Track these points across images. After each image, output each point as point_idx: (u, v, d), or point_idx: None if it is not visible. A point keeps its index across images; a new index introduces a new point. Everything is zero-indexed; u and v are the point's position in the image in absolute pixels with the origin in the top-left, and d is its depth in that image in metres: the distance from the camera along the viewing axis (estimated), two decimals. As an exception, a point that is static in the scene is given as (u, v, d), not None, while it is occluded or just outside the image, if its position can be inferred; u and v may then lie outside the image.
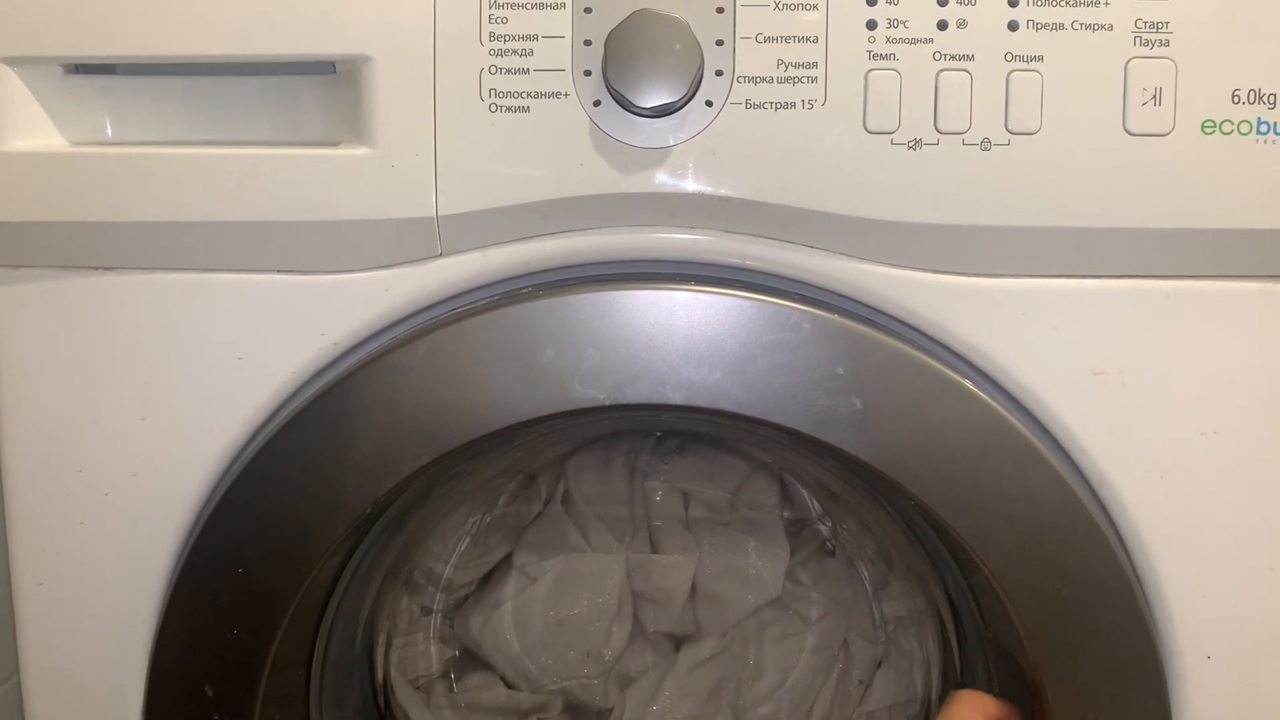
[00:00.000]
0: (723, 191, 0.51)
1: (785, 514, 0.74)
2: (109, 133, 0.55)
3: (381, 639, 0.73)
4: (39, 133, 0.53)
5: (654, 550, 0.73)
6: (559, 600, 0.72)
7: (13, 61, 0.52)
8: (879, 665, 0.75)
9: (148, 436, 0.55)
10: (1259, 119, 0.50)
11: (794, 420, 0.52)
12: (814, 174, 0.51)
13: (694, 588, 0.73)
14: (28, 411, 0.56)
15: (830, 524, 0.76)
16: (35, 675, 0.58)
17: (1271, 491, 0.54)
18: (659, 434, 0.74)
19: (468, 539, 0.73)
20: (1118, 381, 0.53)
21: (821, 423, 0.52)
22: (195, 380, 0.55)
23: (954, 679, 0.69)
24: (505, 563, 0.74)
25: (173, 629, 0.56)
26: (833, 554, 0.76)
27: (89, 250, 0.54)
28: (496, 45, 0.51)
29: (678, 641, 0.74)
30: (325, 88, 0.54)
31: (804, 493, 0.75)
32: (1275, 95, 0.50)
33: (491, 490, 0.73)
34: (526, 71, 0.51)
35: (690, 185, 0.51)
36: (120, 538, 0.57)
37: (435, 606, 0.74)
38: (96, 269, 0.54)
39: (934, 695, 0.72)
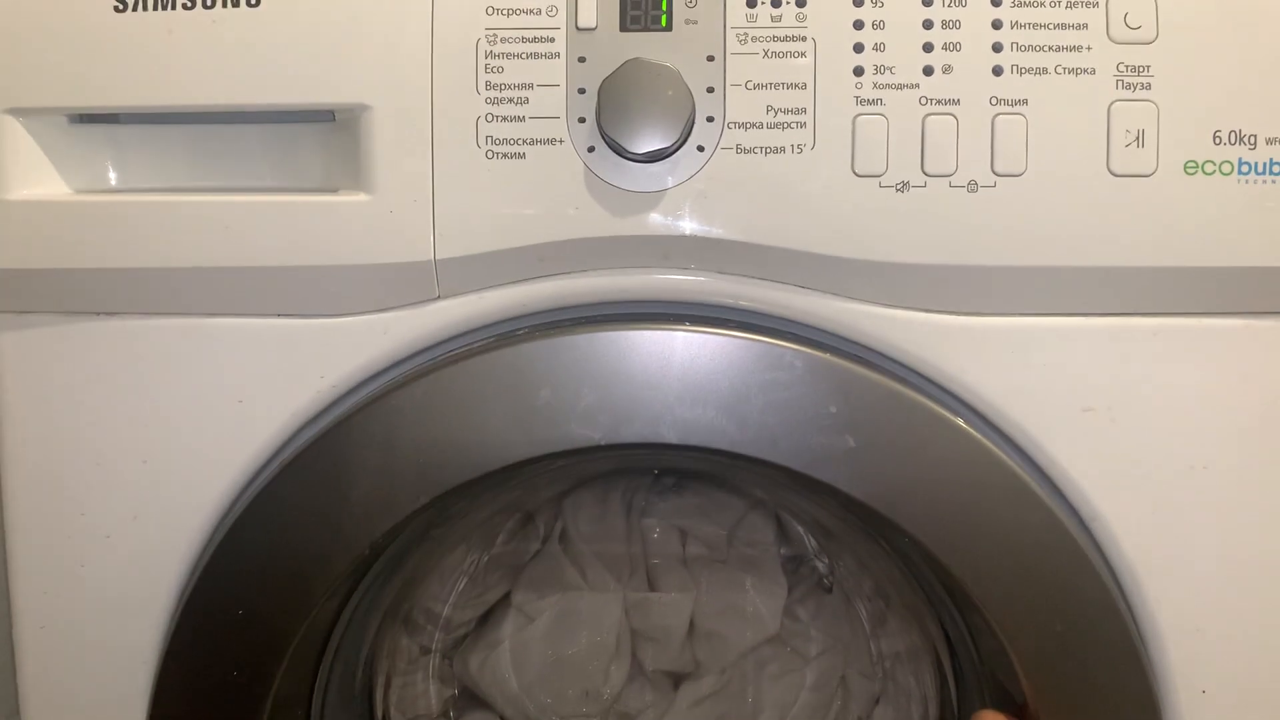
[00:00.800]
0: (715, 234, 0.52)
1: (782, 551, 0.75)
2: (112, 180, 0.56)
3: (381, 678, 0.74)
4: (43, 181, 0.54)
5: (652, 588, 0.73)
6: (558, 639, 0.72)
7: (18, 112, 0.53)
8: (877, 702, 0.75)
9: (149, 479, 0.56)
10: (1240, 159, 0.51)
11: (788, 458, 0.53)
12: (804, 216, 0.52)
13: (692, 625, 0.73)
14: (31, 454, 0.56)
15: (827, 561, 0.76)
16: (36, 717, 0.58)
17: (1262, 524, 0.55)
18: (656, 471, 0.75)
19: (466, 578, 0.73)
20: (1107, 418, 0.54)
21: (815, 461, 0.53)
22: (196, 423, 0.55)
23: (951, 715, 0.70)
24: (504, 602, 0.74)
25: (173, 670, 0.56)
26: (830, 591, 0.76)
27: (92, 296, 0.55)
28: (493, 94, 0.52)
29: (677, 679, 0.74)
30: (325, 134, 0.55)
31: (800, 530, 0.75)
32: (1256, 136, 0.51)
33: (489, 529, 0.73)
34: (522, 119, 0.52)
35: (683, 228, 0.52)
36: (122, 580, 0.57)
37: (434, 646, 0.74)
38: (99, 314, 0.55)
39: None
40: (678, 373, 0.53)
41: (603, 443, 0.52)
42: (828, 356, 0.53)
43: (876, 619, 0.76)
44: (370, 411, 0.53)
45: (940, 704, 0.72)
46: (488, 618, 0.74)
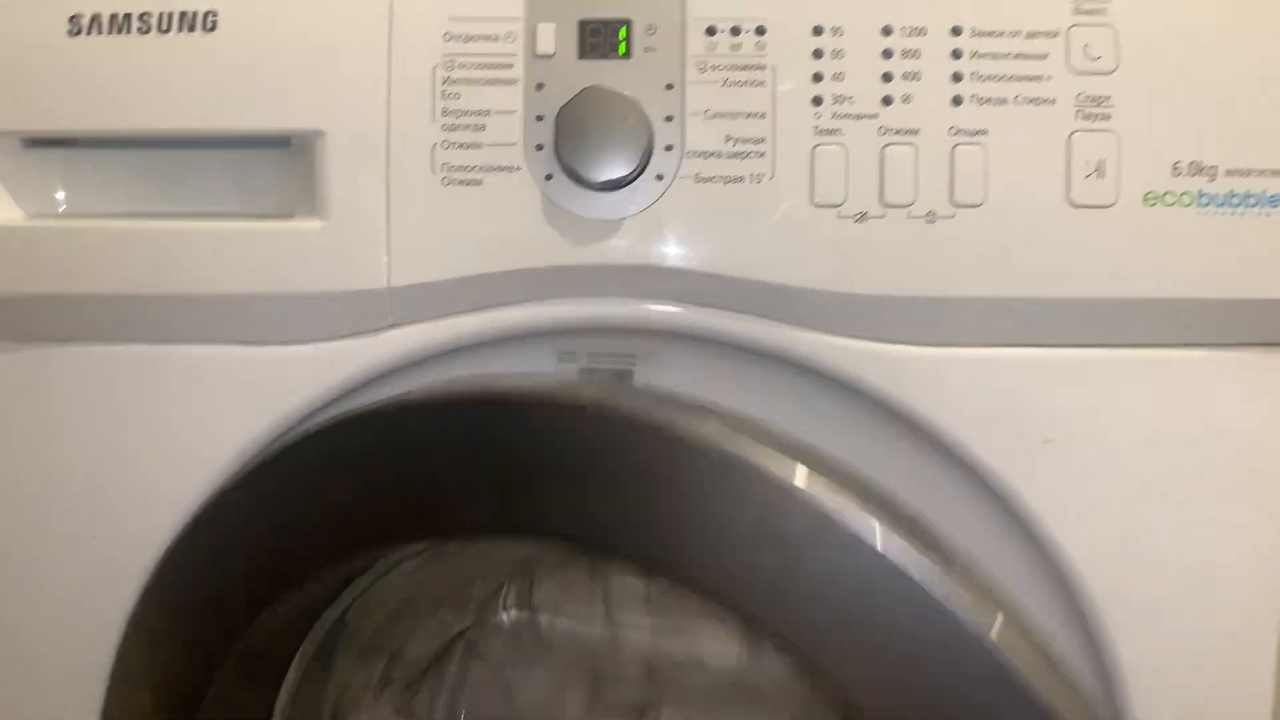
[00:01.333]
0: (673, 263, 0.52)
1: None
2: (65, 204, 0.55)
3: (344, 708, 0.73)
4: (-4, 206, 0.54)
5: (612, 622, 0.72)
6: (516, 675, 0.71)
7: (-31, 136, 0.53)
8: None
9: (105, 508, 0.55)
10: (1200, 191, 0.51)
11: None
12: (762, 246, 0.51)
13: (653, 661, 0.72)
14: (-18, 483, 0.56)
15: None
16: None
17: (1224, 553, 0.54)
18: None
19: (423, 613, 0.72)
20: (1069, 449, 0.53)
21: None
22: (150, 450, 0.55)
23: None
24: (460, 638, 0.73)
25: (122, 692, 0.56)
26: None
27: (44, 322, 0.54)
28: (449, 120, 0.51)
29: (640, 710, 0.74)
30: (280, 159, 0.54)
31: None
32: (1216, 168, 0.51)
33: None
34: (479, 146, 0.51)
35: (640, 257, 0.52)
36: (76, 607, 0.56)
37: (393, 678, 0.73)
38: (51, 341, 0.55)
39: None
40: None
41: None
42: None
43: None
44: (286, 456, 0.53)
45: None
46: (446, 653, 0.74)
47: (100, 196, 0.56)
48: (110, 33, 0.52)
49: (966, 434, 0.53)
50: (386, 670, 0.74)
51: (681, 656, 0.72)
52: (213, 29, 0.52)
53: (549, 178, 0.51)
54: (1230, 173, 0.51)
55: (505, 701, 0.71)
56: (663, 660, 0.73)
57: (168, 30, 0.52)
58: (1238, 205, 0.51)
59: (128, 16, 0.52)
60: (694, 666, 0.71)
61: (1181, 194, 0.51)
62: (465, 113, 0.51)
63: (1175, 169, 0.51)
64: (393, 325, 0.53)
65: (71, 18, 0.53)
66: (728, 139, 0.51)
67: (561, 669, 0.72)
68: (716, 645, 0.73)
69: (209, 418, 0.54)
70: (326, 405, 0.55)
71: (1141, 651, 0.54)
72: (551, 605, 0.72)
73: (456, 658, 0.74)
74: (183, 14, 0.52)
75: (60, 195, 0.56)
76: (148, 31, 0.52)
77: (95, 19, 0.52)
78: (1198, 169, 0.51)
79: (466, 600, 0.74)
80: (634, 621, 0.73)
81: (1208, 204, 0.51)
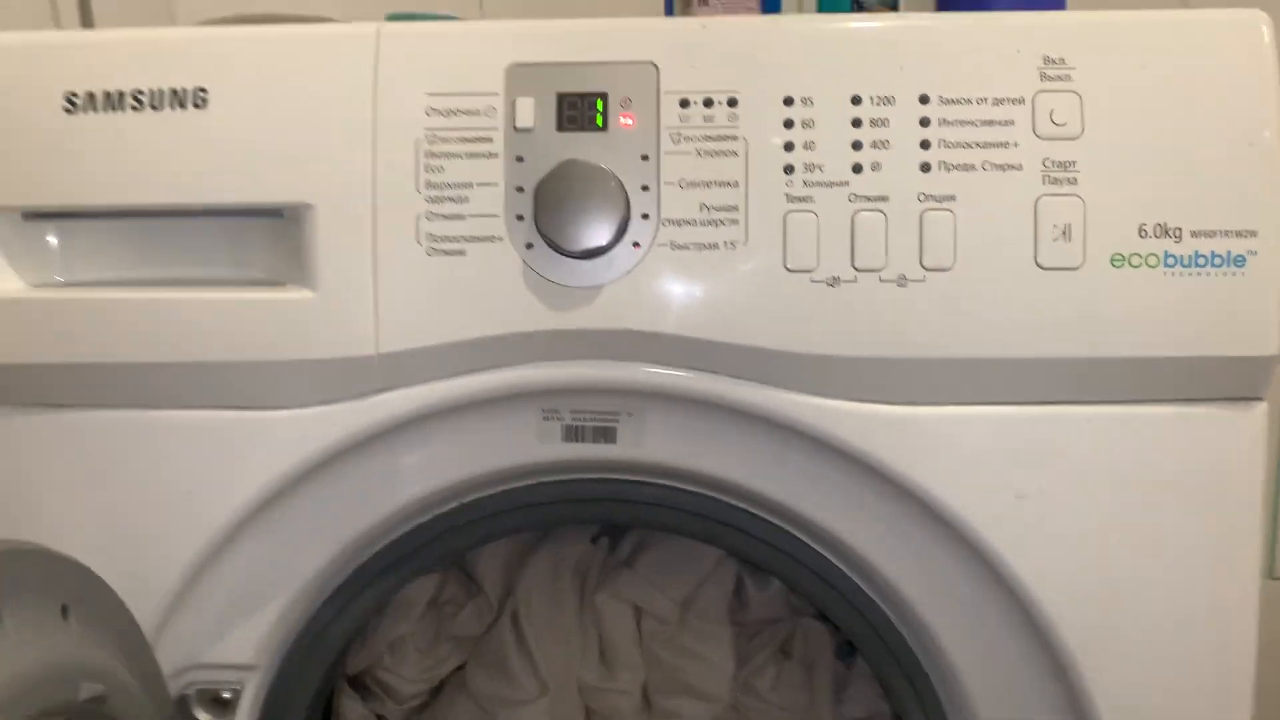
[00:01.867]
0: (650, 328, 0.53)
1: (739, 619, 0.75)
2: (62, 275, 0.57)
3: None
4: (-3, 277, 0.56)
5: (604, 665, 0.74)
6: (509, 715, 0.73)
7: (-30, 211, 0.55)
8: (838, 770, 0.75)
9: (103, 569, 0.56)
10: (1166, 252, 0.52)
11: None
12: (737, 310, 0.53)
13: (649, 702, 0.74)
14: (-16, 544, 0.57)
15: (789, 624, 0.77)
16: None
17: (1199, 606, 0.55)
18: (609, 539, 0.75)
19: (415, 651, 0.74)
20: (1041, 504, 0.54)
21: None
22: (147, 514, 0.56)
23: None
24: (457, 673, 0.75)
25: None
26: (789, 656, 0.76)
27: (44, 389, 0.56)
28: (433, 193, 0.53)
29: (634, 750, 0.75)
30: (273, 229, 0.56)
31: (760, 595, 0.76)
32: (1181, 229, 0.52)
33: (439, 601, 0.74)
34: (462, 217, 0.53)
35: (619, 322, 0.53)
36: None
37: (388, 715, 0.75)
38: (50, 406, 0.56)
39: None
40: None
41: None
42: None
43: (839, 684, 0.76)
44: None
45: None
46: (442, 689, 0.75)
47: (98, 265, 0.58)
48: (105, 110, 0.54)
49: (941, 490, 0.55)
50: (380, 708, 0.76)
51: (673, 693, 0.73)
52: (203, 106, 0.54)
53: (530, 246, 0.53)
54: (1195, 234, 0.52)
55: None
56: (656, 697, 0.75)
57: (160, 108, 0.54)
58: (1203, 265, 0.52)
59: (121, 94, 0.54)
60: (686, 709, 0.73)
61: (1148, 255, 0.52)
62: (448, 185, 0.53)
63: (1141, 231, 0.52)
64: (382, 389, 0.55)
65: (68, 95, 0.54)
66: (702, 207, 0.53)
67: (553, 707, 0.73)
68: (709, 679, 0.74)
69: (204, 479, 0.56)
70: (318, 466, 0.56)
71: (1120, 700, 0.55)
72: (543, 645, 0.74)
73: (449, 696, 0.76)
74: (174, 91, 0.54)
75: (58, 266, 0.57)
76: (141, 108, 0.54)
77: (91, 97, 0.54)
78: (1163, 230, 0.52)
79: (459, 639, 0.76)
80: (626, 659, 0.74)
81: (1174, 265, 0.52)
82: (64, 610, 0.47)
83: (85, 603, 0.48)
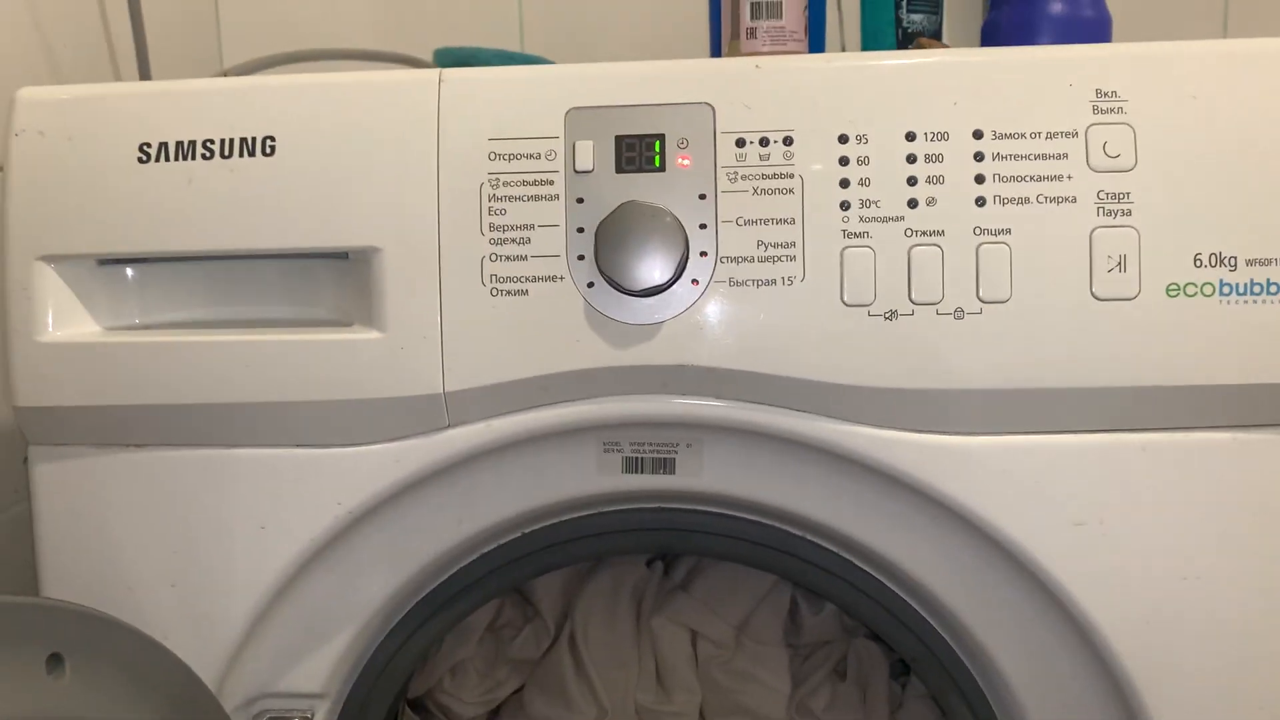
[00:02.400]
0: (710, 363, 0.54)
1: (793, 641, 0.76)
2: (138, 318, 0.59)
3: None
4: (74, 321, 0.58)
5: (661, 687, 0.75)
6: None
7: (49, 259, 0.57)
8: (893, 790, 0.76)
9: (178, 602, 0.58)
10: (1221, 281, 0.53)
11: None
12: (795, 345, 0.54)
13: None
14: (66, 579, 0.59)
15: (843, 645, 0.78)
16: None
17: (1254, 631, 0.55)
18: (665, 563, 0.76)
19: (475, 674, 0.75)
20: (1099, 531, 0.55)
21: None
22: (221, 548, 0.58)
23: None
24: (515, 696, 0.76)
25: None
26: (844, 677, 0.77)
27: (121, 430, 0.58)
28: (496, 235, 0.54)
29: (692, 771, 0.76)
30: (340, 271, 0.57)
31: (814, 618, 0.77)
32: (1236, 258, 0.53)
33: (498, 625, 0.76)
34: (524, 258, 0.54)
35: (679, 358, 0.54)
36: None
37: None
38: (128, 446, 0.58)
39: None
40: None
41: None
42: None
43: (894, 703, 0.77)
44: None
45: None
46: (500, 710, 0.76)
47: (172, 308, 0.59)
48: (177, 159, 0.56)
49: (999, 518, 0.55)
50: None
51: (729, 715, 0.74)
52: (271, 154, 0.55)
53: (591, 285, 0.54)
54: (1250, 262, 0.53)
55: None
56: (714, 718, 0.75)
57: (230, 156, 0.55)
58: (1259, 294, 0.53)
59: (192, 144, 0.56)
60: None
61: (1203, 284, 0.53)
62: (511, 227, 0.54)
63: (1196, 260, 0.53)
64: (449, 426, 0.56)
65: (141, 146, 0.56)
66: (759, 244, 0.54)
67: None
68: (764, 701, 0.75)
69: (276, 514, 0.57)
70: (387, 501, 0.58)
71: (1180, 726, 0.56)
72: (601, 668, 0.75)
73: (508, 718, 0.77)
74: (243, 140, 0.55)
75: (134, 309, 0.59)
76: (211, 157, 0.56)
77: (163, 147, 0.56)
78: (1218, 260, 0.53)
79: (517, 662, 0.77)
80: (682, 682, 0.75)
81: (1229, 293, 0.53)
82: (54, 664, 0.46)
83: (94, 656, 0.48)
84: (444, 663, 0.76)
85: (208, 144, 0.56)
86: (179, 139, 0.56)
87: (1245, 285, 0.53)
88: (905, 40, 0.75)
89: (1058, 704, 0.58)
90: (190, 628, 0.59)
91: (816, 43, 0.76)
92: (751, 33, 0.69)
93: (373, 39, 1.09)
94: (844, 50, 0.87)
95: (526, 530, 0.61)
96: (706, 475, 0.59)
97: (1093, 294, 0.53)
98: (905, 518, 0.57)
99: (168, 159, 0.56)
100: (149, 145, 0.56)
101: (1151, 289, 0.53)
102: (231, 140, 0.56)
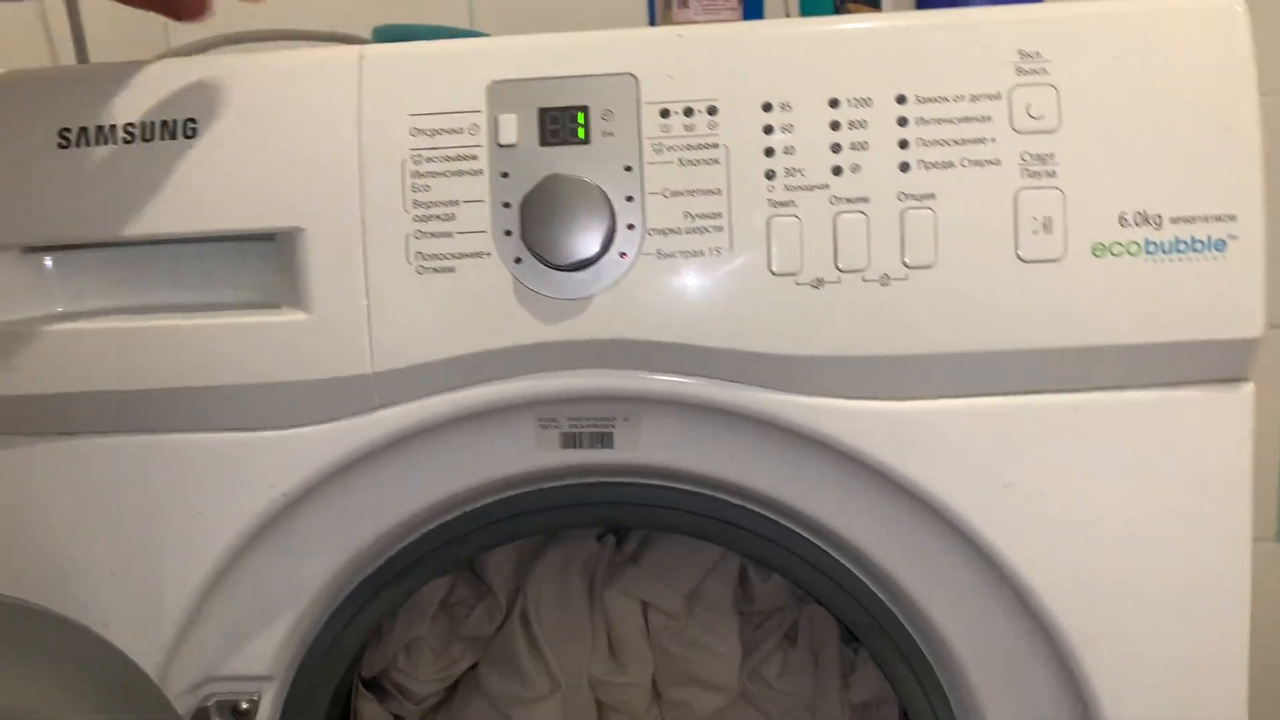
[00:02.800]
0: (640, 336, 0.54)
1: (744, 609, 0.77)
2: (63, 306, 0.58)
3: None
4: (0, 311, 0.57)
5: (614, 659, 0.75)
6: (526, 716, 0.74)
7: (-27, 248, 0.56)
8: (848, 753, 0.77)
9: (117, 590, 0.58)
10: (1146, 240, 0.53)
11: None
12: (725, 316, 0.54)
13: (658, 694, 0.75)
14: (0, 571, 0.59)
15: (794, 612, 0.78)
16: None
17: (1188, 587, 0.56)
18: (616, 536, 0.77)
19: (429, 652, 0.75)
20: (1030, 492, 0.55)
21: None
22: (158, 535, 0.58)
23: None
24: (471, 672, 0.76)
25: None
26: (795, 643, 0.78)
27: (51, 418, 0.57)
28: (420, 211, 0.54)
29: (648, 741, 0.76)
30: (265, 254, 0.57)
31: (764, 586, 0.77)
32: (1160, 216, 0.53)
33: (450, 603, 0.76)
34: (450, 235, 0.54)
35: (610, 332, 0.54)
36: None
37: (405, 714, 0.77)
38: (59, 434, 0.58)
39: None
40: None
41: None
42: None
43: (846, 668, 0.78)
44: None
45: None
46: (456, 687, 0.76)
47: (97, 295, 0.59)
48: (98, 144, 0.55)
49: (931, 481, 0.55)
50: (397, 708, 0.77)
51: (683, 684, 0.74)
52: (193, 136, 0.55)
53: (519, 261, 0.54)
54: (1175, 220, 0.53)
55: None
56: (666, 689, 0.76)
57: (151, 139, 0.55)
58: (1184, 251, 0.53)
59: (113, 128, 0.55)
60: (696, 700, 0.74)
61: (1129, 244, 0.53)
62: (435, 204, 0.54)
63: (1122, 220, 0.53)
64: (380, 406, 0.56)
65: (61, 131, 0.55)
66: (686, 215, 0.54)
67: (566, 703, 0.75)
68: (717, 669, 0.75)
69: (212, 499, 0.57)
70: (322, 482, 0.57)
71: (1116, 677, 0.56)
72: (554, 642, 0.75)
73: (464, 695, 0.77)
74: (164, 123, 0.55)
75: (59, 297, 0.58)
76: (132, 141, 0.55)
77: (83, 132, 0.55)
78: (1144, 219, 0.53)
79: (471, 639, 0.77)
80: (635, 653, 0.75)
81: (1155, 252, 0.53)
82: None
83: (28, 649, 0.48)
84: (398, 641, 0.76)
85: (128, 128, 0.55)
86: (99, 124, 0.55)
87: (1170, 244, 0.53)
88: (842, 6, 0.75)
89: (999, 666, 0.59)
90: (131, 615, 0.58)
91: (755, 12, 0.75)
92: (684, 1, 0.69)
93: (333, 20, 1.07)
94: (787, 18, 0.87)
95: (467, 508, 0.61)
96: (645, 448, 0.59)
97: (1018, 256, 0.53)
98: (842, 484, 0.58)
99: (88, 144, 0.55)
100: (69, 130, 0.55)
101: (1077, 250, 0.53)
102: (152, 124, 0.55)
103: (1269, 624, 0.61)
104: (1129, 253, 0.53)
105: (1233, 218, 0.53)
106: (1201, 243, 0.53)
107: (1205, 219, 0.53)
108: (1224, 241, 0.53)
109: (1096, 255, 0.53)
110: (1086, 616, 0.56)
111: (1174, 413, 0.55)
